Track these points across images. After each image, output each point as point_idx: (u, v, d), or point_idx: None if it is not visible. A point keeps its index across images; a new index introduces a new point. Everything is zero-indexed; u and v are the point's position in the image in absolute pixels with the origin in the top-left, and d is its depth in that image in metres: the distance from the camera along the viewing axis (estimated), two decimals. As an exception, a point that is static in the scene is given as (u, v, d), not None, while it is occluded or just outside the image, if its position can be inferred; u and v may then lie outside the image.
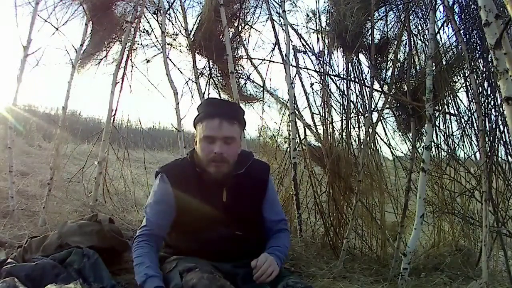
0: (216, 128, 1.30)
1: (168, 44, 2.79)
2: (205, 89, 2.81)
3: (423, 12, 2.42)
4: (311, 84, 2.74)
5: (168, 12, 2.80)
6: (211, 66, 2.87)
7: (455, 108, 2.45)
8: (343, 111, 2.66)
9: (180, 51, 2.88)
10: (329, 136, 2.67)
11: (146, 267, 1.21)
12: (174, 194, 1.32)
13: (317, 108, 2.74)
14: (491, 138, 2.06)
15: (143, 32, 2.96)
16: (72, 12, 2.83)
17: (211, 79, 2.88)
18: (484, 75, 2.16)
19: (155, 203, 1.35)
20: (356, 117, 2.64)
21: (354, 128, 2.65)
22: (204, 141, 1.31)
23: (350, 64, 2.65)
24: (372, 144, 2.52)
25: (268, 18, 2.73)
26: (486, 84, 2.14)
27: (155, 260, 1.27)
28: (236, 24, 2.88)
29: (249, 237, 1.35)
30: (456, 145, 2.49)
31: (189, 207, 1.31)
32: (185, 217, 1.32)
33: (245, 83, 3.00)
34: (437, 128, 2.44)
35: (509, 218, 2.16)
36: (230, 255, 1.33)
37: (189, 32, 2.79)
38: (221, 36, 2.69)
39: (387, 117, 2.59)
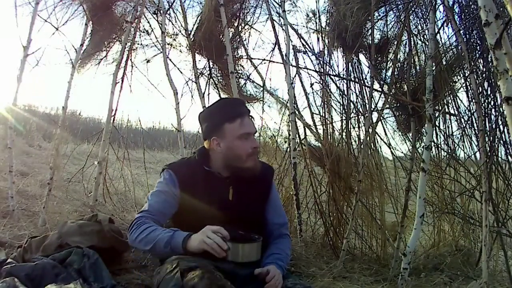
0: (250, 125, 1.37)
1: (168, 44, 2.79)
2: (205, 89, 2.81)
3: (423, 12, 2.42)
4: (311, 84, 2.75)
5: (168, 12, 2.80)
6: (211, 66, 2.87)
7: (455, 108, 2.45)
8: (343, 111, 2.66)
9: (180, 51, 2.88)
10: (329, 136, 2.67)
11: (164, 230, 1.21)
12: (180, 191, 1.33)
13: (317, 108, 2.75)
14: (491, 138, 2.06)
15: (143, 32, 2.96)
16: (72, 12, 2.83)
17: (211, 79, 2.88)
18: (484, 75, 2.16)
19: (159, 192, 1.35)
20: (356, 117, 2.64)
21: (354, 128, 2.66)
22: (240, 139, 1.33)
23: (350, 64, 2.65)
24: (372, 144, 2.52)
25: (268, 18, 2.73)
26: (486, 84, 2.14)
27: None
28: (236, 24, 2.88)
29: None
30: (456, 145, 2.50)
31: (194, 205, 1.32)
32: (190, 216, 1.33)
33: (245, 83, 3.00)
34: (437, 128, 2.44)
35: (509, 218, 2.16)
36: None
37: (189, 32, 2.78)
38: (221, 36, 2.69)
39: (387, 117, 2.60)
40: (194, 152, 1.46)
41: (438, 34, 2.29)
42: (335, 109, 2.71)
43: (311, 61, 2.81)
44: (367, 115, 2.38)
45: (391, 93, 2.46)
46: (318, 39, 2.77)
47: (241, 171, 1.35)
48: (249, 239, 1.16)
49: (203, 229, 1.15)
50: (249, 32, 2.92)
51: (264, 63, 2.85)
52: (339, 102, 2.69)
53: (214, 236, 1.11)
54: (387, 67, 2.58)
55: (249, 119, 1.37)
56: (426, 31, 2.30)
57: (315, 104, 2.76)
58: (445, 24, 2.31)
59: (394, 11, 2.56)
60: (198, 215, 1.32)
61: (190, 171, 1.37)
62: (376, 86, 2.48)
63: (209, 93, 2.83)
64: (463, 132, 2.40)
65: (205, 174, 1.36)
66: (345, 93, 2.67)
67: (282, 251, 1.38)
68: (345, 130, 2.63)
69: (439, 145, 2.53)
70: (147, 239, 1.21)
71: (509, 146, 2.11)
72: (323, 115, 2.70)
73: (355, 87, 2.68)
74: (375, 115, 2.47)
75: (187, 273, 1.14)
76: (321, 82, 2.74)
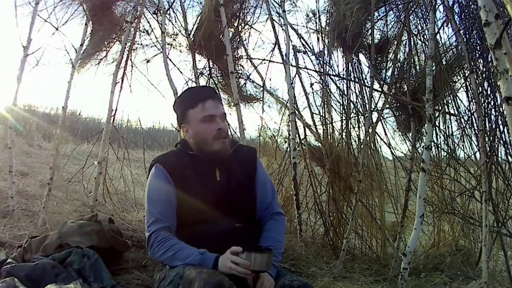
0: (213, 108, 1.38)
1: (168, 44, 2.79)
2: (205, 89, 2.81)
3: (423, 12, 2.42)
4: (311, 84, 2.75)
5: (168, 12, 2.80)
6: (211, 66, 2.87)
7: (455, 108, 2.45)
8: (343, 111, 2.66)
9: (180, 51, 2.88)
10: (329, 136, 2.67)
11: (190, 250, 1.23)
12: (173, 182, 1.34)
13: (317, 108, 2.75)
14: (491, 138, 2.06)
15: (143, 32, 2.96)
16: (72, 12, 2.83)
17: (211, 79, 2.88)
18: (484, 75, 2.16)
19: (158, 194, 1.35)
20: (356, 117, 2.64)
21: (354, 128, 2.66)
22: (204, 122, 1.36)
23: (350, 64, 2.65)
24: (372, 144, 2.52)
25: (268, 18, 2.73)
26: (486, 84, 2.14)
27: None
28: (236, 24, 2.88)
29: (248, 229, 1.36)
30: (456, 145, 2.50)
31: (186, 191, 1.33)
32: (183, 202, 1.33)
33: (245, 83, 3.00)
34: (437, 128, 2.44)
35: (509, 218, 2.16)
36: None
37: (189, 32, 2.78)
38: (221, 36, 2.69)
39: (387, 117, 2.60)
40: (176, 145, 1.49)
41: (438, 34, 2.29)
42: (335, 109, 2.72)
43: (311, 61, 2.81)
44: (367, 115, 2.38)
45: (391, 93, 2.46)
46: (318, 39, 2.78)
47: (211, 154, 1.36)
48: (261, 250, 1.21)
49: (225, 255, 1.19)
50: (249, 32, 2.93)
51: (264, 63, 2.86)
52: (339, 102, 2.69)
53: (234, 258, 1.17)
54: (387, 67, 2.58)
55: (213, 102, 1.38)
56: (426, 31, 2.30)
57: (315, 104, 2.77)
58: (445, 24, 2.32)
59: (394, 11, 2.56)
60: (190, 200, 1.32)
61: (177, 159, 1.39)
62: (376, 86, 2.49)
63: (209, 93, 2.83)
64: (463, 132, 2.40)
65: (190, 159, 1.38)
66: (345, 93, 2.67)
67: (274, 241, 1.37)
68: (345, 130, 2.63)
69: (439, 145, 2.53)
70: (174, 258, 1.24)
71: (509, 146, 2.11)
72: (323, 115, 2.70)
73: (355, 87, 2.69)
74: (375, 115, 2.48)
75: (188, 268, 1.16)
76: (321, 82, 2.74)
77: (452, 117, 2.48)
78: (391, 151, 2.62)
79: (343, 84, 2.70)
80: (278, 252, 1.37)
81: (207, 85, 2.85)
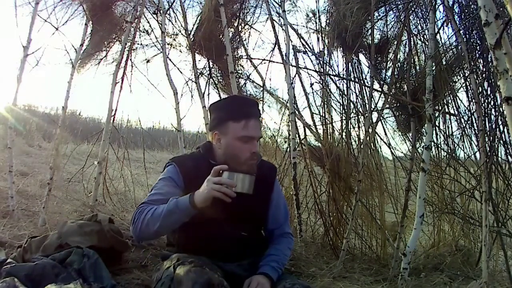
0: (255, 129, 1.32)
1: (168, 44, 2.80)
2: (205, 89, 2.81)
3: (423, 12, 2.42)
4: (311, 84, 2.75)
5: (168, 12, 2.81)
6: (211, 66, 2.88)
7: (455, 108, 2.45)
8: (343, 111, 2.66)
9: (180, 51, 2.88)
10: (329, 136, 2.67)
11: (165, 204, 1.18)
12: (184, 185, 1.30)
13: (317, 108, 2.75)
14: (491, 138, 2.06)
15: (143, 32, 2.97)
16: (72, 12, 2.84)
17: (211, 79, 2.89)
18: (484, 75, 2.16)
19: (162, 186, 1.31)
20: (356, 117, 2.64)
21: (354, 128, 2.66)
22: (240, 140, 1.30)
23: (350, 64, 2.65)
24: (372, 144, 2.52)
25: (268, 18, 2.73)
26: (486, 84, 2.14)
27: None
28: (236, 24, 2.88)
29: (253, 238, 1.36)
30: (456, 145, 2.50)
31: None
32: None
33: (245, 83, 3.00)
34: (437, 128, 2.44)
35: (509, 218, 2.16)
36: (234, 255, 1.33)
37: (189, 32, 2.79)
38: (221, 36, 2.69)
39: (387, 117, 2.60)
40: (198, 147, 1.44)
41: (438, 34, 2.29)
42: (335, 109, 2.72)
43: (311, 61, 2.81)
44: (367, 115, 2.38)
45: (391, 93, 2.46)
46: (318, 39, 2.78)
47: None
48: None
49: (206, 179, 1.14)
50: (249, 32, 2.93)
51: (264, 63, 2.86)
52: (339, 102, 2.69)
53: (217, 179, 1.12)
54: (387, 67, 2.58)
55: (256, 122, 1.33)
56: (426, 31, 2.30)
57: (315, 104, 2.77)
58: (445, 24, 2.32)
59: (394, 11, 2.56)
60: (199, 212, 1.31)
61: (194, 165, 1.34)
62: (376, 86, 2.49)
63: (209, 93, 2.84)
64: (463, 132, 2.40)
65: (209, 168, 1.31)
66: (345, 93, 2.67)
67: (279, 252, 1.38)
68: (345, 130, 2.63)
69: (439, 145, 2.53)
70: (152, 219, 1.16)
71: (509, 146, 2.11)
72: (323, 115, 2.70)
73: (355, 87, 2.69)
74: (375, 115, 2.47)
75: (178, 268, 1.14)
76: (321, 82, 2.74)
77: (452, 117, 2.48)
78: (391, 151, 2.62)
79: (343, 84, 2.70)
80: (282, 263, 1.36)
81: (208, 84, 2.86)
